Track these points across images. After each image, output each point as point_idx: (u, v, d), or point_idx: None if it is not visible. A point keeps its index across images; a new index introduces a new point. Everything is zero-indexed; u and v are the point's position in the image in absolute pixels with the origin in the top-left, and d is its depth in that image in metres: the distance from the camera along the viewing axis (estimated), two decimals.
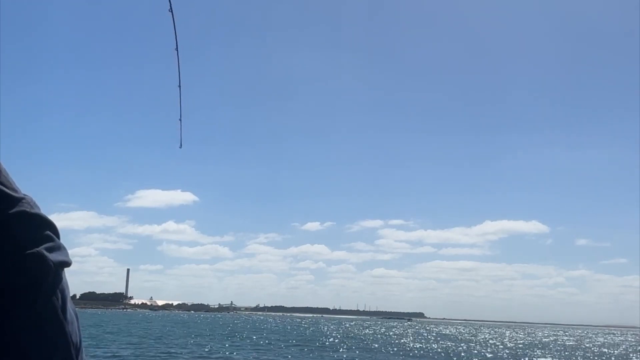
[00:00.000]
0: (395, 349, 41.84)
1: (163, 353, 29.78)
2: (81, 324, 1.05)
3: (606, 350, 56.18)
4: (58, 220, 1.02)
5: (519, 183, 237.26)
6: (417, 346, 46.41)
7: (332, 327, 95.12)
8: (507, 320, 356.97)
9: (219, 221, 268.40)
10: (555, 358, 40.93)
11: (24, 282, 0.94)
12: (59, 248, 1.00)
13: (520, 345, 56.12)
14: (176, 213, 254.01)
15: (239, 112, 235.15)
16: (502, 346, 52.90)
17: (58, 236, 1.02)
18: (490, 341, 63.70)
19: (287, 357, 31.00)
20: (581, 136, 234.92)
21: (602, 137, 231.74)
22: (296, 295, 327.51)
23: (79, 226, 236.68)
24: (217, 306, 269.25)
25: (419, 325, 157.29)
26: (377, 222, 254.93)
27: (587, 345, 67.23)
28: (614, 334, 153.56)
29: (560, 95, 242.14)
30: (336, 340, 49.05)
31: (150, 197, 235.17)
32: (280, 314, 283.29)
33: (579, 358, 42.32)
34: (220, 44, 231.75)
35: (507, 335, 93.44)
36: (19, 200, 0.98)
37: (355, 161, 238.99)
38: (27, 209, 0.98)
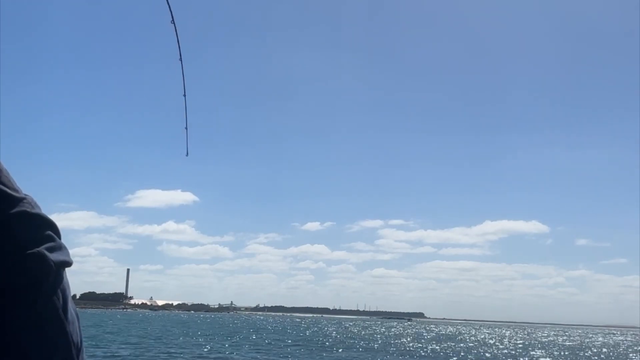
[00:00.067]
0: (395, 349, 41.85)
1: (163, 353, 29.79)
2: (81, 324, 1.05)
3: (606, 350, 56.20)
4: (58, 220, 1.02)
5: (519, 183, 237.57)
6: (417, 346, 46.43)
7: (332, 327, 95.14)
8: (507, 320, 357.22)
9: (219, 221, 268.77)
10: (555, 358, 40.94)
11: (25, 282, 0.94)
12: (60, 248, 1.00)
13: (520, 346, 56.13)
14: (176, 213, 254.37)
15: (239, 112, 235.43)
16: (502, 346, 52.91)
17: (59, 236, 1.02)
18: (490, 341, 63.71)
19: (287, 357, 31.01)
20: (581, 136, 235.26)
21: (602, 137, 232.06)
22: (296, 295, 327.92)
23: (79, 226, 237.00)
24: (217, 306, 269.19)
25: (419, 325, 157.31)
26: (377, 222, 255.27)
27: (587, 345, 67.24)
28: (614, 334, 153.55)
29: (560, 95, 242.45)
30: (336, 341, 49.08)
31: (150, 197, 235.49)
32: (280, 314, 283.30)
33: (579, 358, 42.33)
34: (220, 45, 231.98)
35: (507, 335, 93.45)
36: (20, 200, 0.98)
37: (355, 161, 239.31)
38: (28, 209, 0.98)
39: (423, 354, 38.24)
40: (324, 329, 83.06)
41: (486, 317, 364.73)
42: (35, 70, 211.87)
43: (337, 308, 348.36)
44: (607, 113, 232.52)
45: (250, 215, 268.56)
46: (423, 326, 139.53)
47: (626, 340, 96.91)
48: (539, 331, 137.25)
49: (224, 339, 44.44)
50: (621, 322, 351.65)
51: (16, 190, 0.99)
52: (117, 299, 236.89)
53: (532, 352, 45.20)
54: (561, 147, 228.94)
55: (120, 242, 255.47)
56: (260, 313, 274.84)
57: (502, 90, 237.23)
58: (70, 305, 1.01)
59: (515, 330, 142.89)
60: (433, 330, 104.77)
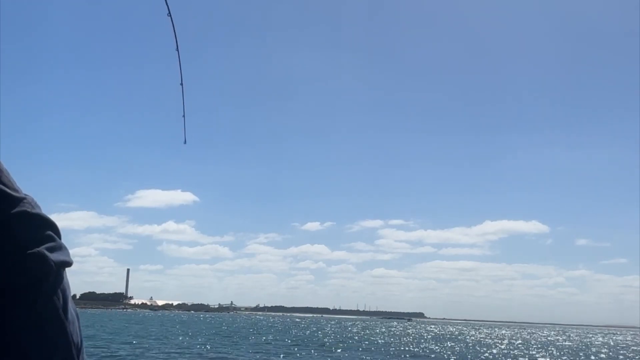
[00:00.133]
0: (395, 348, 41.86)
1: (163, 353, 29.81)
2: (81, 324, 1.05)
3: (606, 350, 56.20)
4: (58, 220, 1.03)
5: (519, 183, 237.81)
6: (417, 346, 46.44)
7: (332, 327, 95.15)
8: (507, 320, 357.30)
9: (219, 221, 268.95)
10: (555, 358, 40.93)
11: (25, 282, 0.94)
12: (60, 248, 1.00)
13: (519, 346, 56.13)
14: (176, 213, 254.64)
15: (239, 112, 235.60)
16: (502, 346, 52.92)
17: (59, 236, 1.02)
18: (490, 341, 63.71)
19: (287, 357, 31.02)
20: (581, 136, 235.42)
21: (602, 137, 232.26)
22: (296, 295, 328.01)
23: (79, 226, 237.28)
24: (217, 306, 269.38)
25: (419, 325, 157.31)
26: (377, 222, 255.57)
27: (587, 345, 67.23)
28: (613, 333, 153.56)
29: (560, 95, 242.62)
30: (336, 341, 49.08)
31: (150, 197, 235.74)
32: (280, 314, 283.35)
33: (579, 358, 42.32)
34: (220, 44, 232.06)
35: (507, 335, 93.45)
36: (20, 200, 0.98)
37: (355, 161, 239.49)
38: (29, 209, 0.98)
39: (423, 354, 38.24)
40: (323, 329, 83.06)
41: (486, 317, 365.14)
42: (35, 70, 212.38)
43: (337, 308, 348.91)
44: (607, 113, 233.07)
45: (250, 215, 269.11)
46: (423, 326, 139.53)
47: (626, 340, 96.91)
48: (539, 331, 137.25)
49: (224, 339, 44.45)
50: (621, 322, 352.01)
51: (16, 190, 0.99)
52: (117, 299, 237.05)
53: (532, 352, 45.19)
54: (561, 147, 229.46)
55: (120, 242, 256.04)
56: (260, 313, 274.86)
57: (502, 90, 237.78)
58: (71, 305, 1.01)
59: (515, 330, 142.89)
60: (433, 330, 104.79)
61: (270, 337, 50.68)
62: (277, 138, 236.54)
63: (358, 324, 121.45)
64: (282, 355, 31.57)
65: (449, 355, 37.63)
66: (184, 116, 4.94)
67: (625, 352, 54.32)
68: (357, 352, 36.27)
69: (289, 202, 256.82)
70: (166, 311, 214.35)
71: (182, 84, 4.90)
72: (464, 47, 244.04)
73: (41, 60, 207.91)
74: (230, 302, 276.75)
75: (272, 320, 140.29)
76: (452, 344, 53.17)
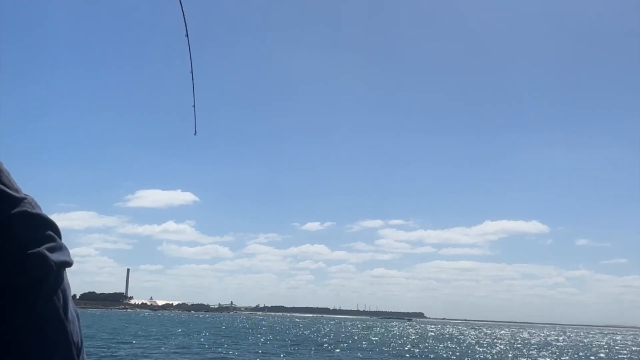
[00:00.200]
0: (395, 349, 41.87)
1: (162, 353, 29.82)
2: (81, 324, 1.05)
3: (606, 350, 56.21)
4: (58, 220, 1.03)
5: (519, 183, 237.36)
6: (417, 346, 46.45)
7: (331, 327, 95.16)
8: (507, 320, 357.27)
9: (219, 221, 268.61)
10: (555, 358, 40.94)
11: (25, 282, 0.94)
12: (61, 248, 1.00)
13: (519, 346, 56.14)
14: (176, 213, 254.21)
15: (239, 112, 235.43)
16: (502, 346, 52.93)
17: (60, 236, 1.02)
18: (490, 341, 63.73)
19: (286, 357, 31.04)
20: (581, 136, 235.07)
21: (602, 137, 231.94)
22: (296, 295, 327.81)
23: (79, 226, 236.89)
24: (217, 306, 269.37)
25: (419, 325, 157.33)
26: (377, 222, 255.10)
27: (587, 345, 67.25)
28: (613, 333, 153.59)
29: (560, 95, 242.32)
30: (335, 341, 49.08)
31: (150, 197, 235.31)
32: (280, 314, 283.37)
33: (579, 358, 42.33)
34: (220, 44, 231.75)
35: (506, 335, 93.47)
36: (20, 200, 0.98)
37: (355, 161, 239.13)
38: (29, 209, 0.98)
39: (423, 354, 38.25)
40: (323, 328, 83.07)
41: (486, 317, 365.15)
42: (35, 70, 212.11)
43: (337, 308, 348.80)
44: (607, 113, 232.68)
45: (250, 215, 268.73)
46: (423, 326, 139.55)
47: (626, 340, 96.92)
48: (539, 331, 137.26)
49: (223, 339, 44.46)
50: (621, 322, 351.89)
51: (16, 191, 0.99)
52: (117, 299, 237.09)
53: (531, 352, 45.22)
54: (561, 147, 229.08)
55: (120, 242, 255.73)
56: (260, 313, 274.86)
57: (502, 90, 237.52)
58: (71, 305, 1.01)
59: (515, 330, 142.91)
60: (433, 330, 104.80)
61: (270, 337, 50.69)
62: (277, 138, 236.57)
63: (358, 324, 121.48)
64: (281, 355, 31.59)
65: (449, 355, 37.64)
66: (194, 106, 4.77)
67: (625, 352, 54.35)
68: (356, 352, 36.29)
69: (289, 202, 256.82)
70: (166, 311, 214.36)
71: (192, 73, 4.77)
72: (464, 47, 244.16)
73: (41, 60, 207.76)
74: (230, 302, 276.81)
75: (272, 320, 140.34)
76: (452, 344, 53.18)
